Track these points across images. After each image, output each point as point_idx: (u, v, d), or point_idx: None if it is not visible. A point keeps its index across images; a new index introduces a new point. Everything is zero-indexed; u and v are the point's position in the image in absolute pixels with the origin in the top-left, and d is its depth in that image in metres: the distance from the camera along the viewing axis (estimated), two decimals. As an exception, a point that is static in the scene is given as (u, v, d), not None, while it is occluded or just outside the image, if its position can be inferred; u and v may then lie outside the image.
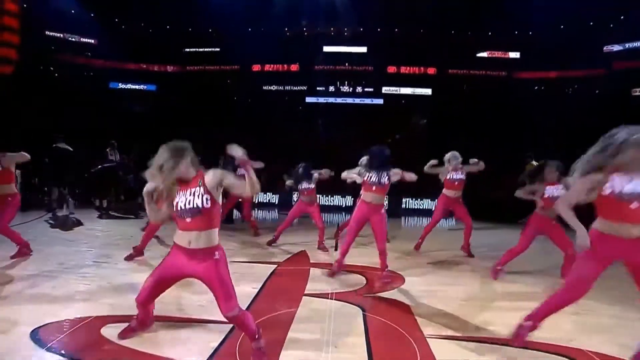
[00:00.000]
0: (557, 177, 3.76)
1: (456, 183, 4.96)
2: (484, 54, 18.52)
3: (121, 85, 20.62)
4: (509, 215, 7.90)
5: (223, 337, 2.57)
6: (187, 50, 21.31)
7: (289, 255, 4.87)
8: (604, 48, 16.78)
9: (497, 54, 18.52)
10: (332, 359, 2.37)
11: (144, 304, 2.45)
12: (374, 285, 3.78)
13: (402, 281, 3.93)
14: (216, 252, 2.22)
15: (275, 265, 4.36)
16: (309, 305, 3.21)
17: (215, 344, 2.47)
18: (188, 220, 2.16)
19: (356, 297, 3.43)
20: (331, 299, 3.36)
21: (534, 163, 9.23)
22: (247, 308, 3.04)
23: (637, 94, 15.83)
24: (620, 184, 2.11)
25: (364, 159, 4.17)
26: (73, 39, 19.48)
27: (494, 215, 8.26)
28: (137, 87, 20.94)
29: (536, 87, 18.18)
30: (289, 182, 5.46)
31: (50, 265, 3.99)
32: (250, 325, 2.27)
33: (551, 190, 3.78)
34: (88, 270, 3.96)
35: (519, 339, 2.51)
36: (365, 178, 3.83)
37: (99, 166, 8.17)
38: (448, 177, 4.99)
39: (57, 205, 7.11)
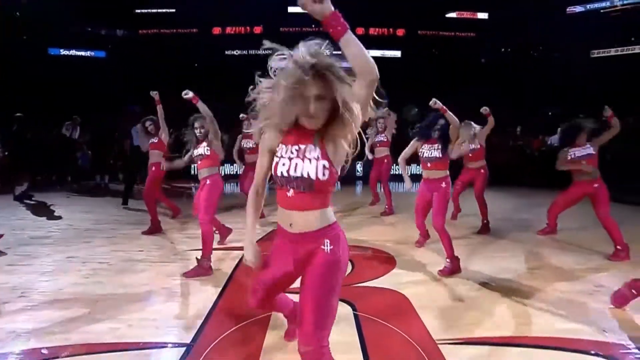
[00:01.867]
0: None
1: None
2: (453, 15, 17.70)
3: (63, 52, 17.99)
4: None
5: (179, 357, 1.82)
6: (138, 11, 18.81)
7: (264, 234, 4.09)
8: (567, 9, 16.45)
9: (466, 15, 17.76)
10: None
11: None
12: (364, 272, 3.12)
13: (393, 262, 3.31)
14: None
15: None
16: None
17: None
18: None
19: (345, 290, 2.75)
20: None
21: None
22: (205, 322, 2.27)
23: (596, 55, 15.83)
24: None
25: None
26: (-5, -5, 16.39)
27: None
28: (82, 53, 18.36)
29: (503, 50, 17.79)
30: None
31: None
32: None
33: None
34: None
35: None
36: None
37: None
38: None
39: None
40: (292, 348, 2.02)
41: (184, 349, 1.98)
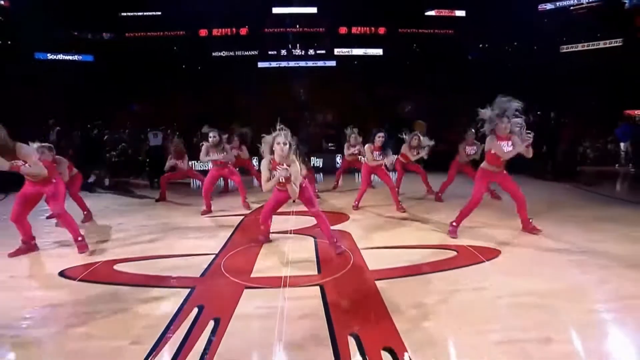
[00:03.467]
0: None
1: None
2: (432, 13, 19.55)
3: (50, 56, 19.34)
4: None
5: (212, 258, 3.58)
6: (124, 14, 20.21)
7: (253, 209, 5.85)
8: (539, 7, 18.40)
9: (444, 12, 19.60)
10: (291, 271, 3.42)
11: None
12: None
13: (347, 218, 5.13)
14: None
15: (243, 217, 5.34)
16: (273, 238, 4.25)
17: (205, 265, 3.46)
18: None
19: (310, 230, 4.53)
20: (290, 233, 4.42)
21: (422, 122, 10.70)
22: (224, 246, 4.02)
23: (565, 50, 17.82)
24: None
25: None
26: (-23, 1, 17.63)
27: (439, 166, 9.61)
28: (70, 57, 19.72)
29: (480, 45, 19.63)
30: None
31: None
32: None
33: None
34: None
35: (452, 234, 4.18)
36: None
37: None
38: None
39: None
40: (277, 256, 3.80)
41: (213, 256, 3.73)
